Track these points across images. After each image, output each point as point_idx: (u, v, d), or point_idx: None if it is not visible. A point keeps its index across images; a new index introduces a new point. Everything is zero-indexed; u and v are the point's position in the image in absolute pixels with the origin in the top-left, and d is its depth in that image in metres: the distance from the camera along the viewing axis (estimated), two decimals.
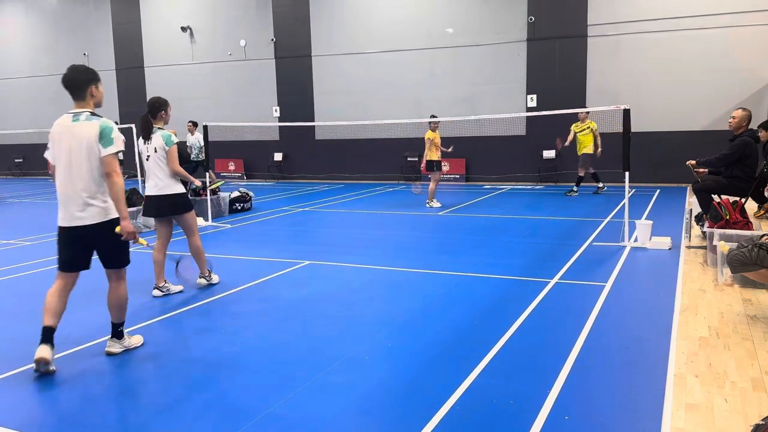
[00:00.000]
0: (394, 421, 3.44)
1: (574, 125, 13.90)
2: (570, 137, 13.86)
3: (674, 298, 5.60)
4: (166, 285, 6.19)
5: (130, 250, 4.59)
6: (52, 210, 14.57)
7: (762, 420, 2.92)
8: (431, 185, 12.52)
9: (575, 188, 13.96)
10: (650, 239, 7.88)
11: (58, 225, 4.34)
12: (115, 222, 4.29)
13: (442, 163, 12.91)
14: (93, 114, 4.29)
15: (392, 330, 4.94)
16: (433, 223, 10.52)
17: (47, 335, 4.21)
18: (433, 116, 12.87)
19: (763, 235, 5.02)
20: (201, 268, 6.45)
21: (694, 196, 8.44)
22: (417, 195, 13.53)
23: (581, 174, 13.83)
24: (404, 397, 3.72)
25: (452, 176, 18.06)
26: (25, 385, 4.04)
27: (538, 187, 16.28)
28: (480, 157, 17.59)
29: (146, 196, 6.20)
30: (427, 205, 12.40)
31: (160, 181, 6.06)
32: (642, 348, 4.40)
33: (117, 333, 4.56)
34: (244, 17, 20.12)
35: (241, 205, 12.26)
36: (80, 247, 4.34)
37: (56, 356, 4.36)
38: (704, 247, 7.55)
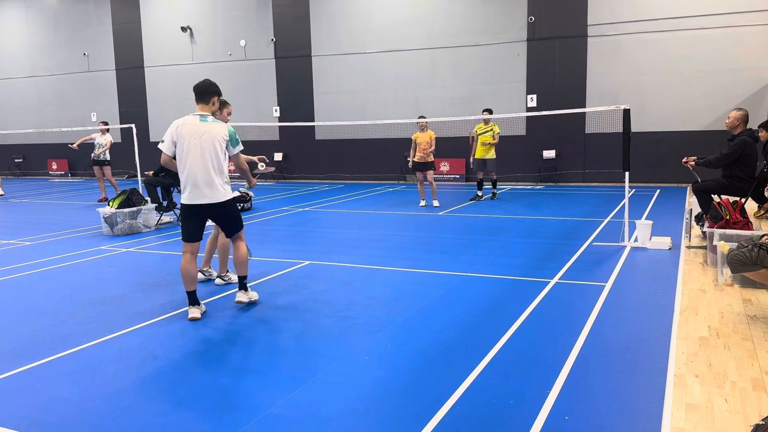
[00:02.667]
0: (394, 421, 3.44)
1: (477, 127, 13.24)
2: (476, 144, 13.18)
3: (674, 298, 5.60)
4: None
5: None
6: (52, 210, 14.43)
7: (762, 420, 2.92)
8: (433, 185, 12.53)
9: (495, 191, 13.45)
10: (650, 239, 7.88)
11: (185, 203, 5.38)
12: (232, 200, 5.52)
13: (424, 164, 12.53)
14: (215, 119, 5.47)
15: (392, 330, 4.95)
16: (433, 223, 10.52)
17: (192, 298, 5.40)
18: (421, 116, 12.80)
19: (763, 235, 5.02)
20: (221, 267, 6.60)
21: (694, 196, 8.44)
22: (418, 196, 13.24)
23: (494, 177, 13.33)
24: (404, 397, 3.72)
25: (452, 176, 18.07)
26: (26, 385, 4.05)
27: (538, 187, 16.28)
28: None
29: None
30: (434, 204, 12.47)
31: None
32: (642, 348, 4.40)
33: (243, 286, 5.70)
34: (244, 17, 20.12)
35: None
36: (200, 220, 5.46)
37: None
38: (704, 247, 7.55)
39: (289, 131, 19.59)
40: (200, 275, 6.55)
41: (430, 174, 12.47)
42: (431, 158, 12.48)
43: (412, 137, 12.57)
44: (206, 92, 5.44)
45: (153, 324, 5.26)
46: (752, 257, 4.77)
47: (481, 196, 13.32)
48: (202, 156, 5.30)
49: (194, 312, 5.36)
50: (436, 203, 12.48)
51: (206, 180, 5.32)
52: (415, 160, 12.48)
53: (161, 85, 21.64)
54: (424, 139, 12.34)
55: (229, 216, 5.59)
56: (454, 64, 17.71)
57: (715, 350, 4.31)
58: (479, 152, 13.09)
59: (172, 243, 9.10)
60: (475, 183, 13.43)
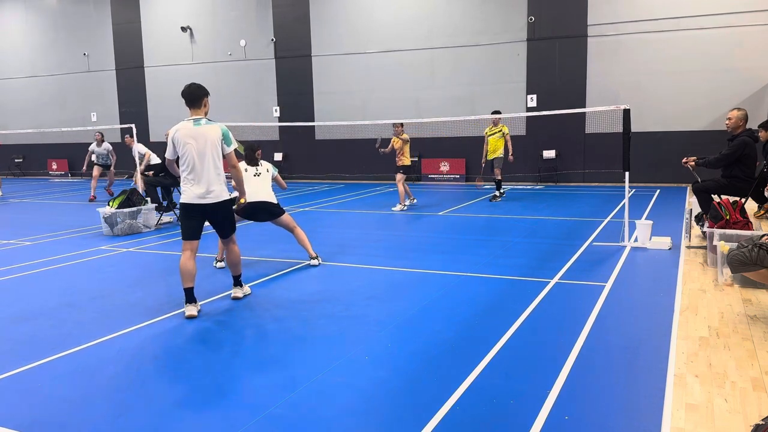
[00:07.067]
0: (394, 421, 3.44)
1: (487, 128, 13.30)
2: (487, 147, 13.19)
3: (674, 298, 5.60)
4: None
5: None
6: (52, 210, 14.39)
7: (762, 420, 2.92)
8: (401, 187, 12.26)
9: (497, 193, 13.30)
10: (650, 239, 7.88)
11: (186, 202, 5.49)
12: (229, 201, 5.65)
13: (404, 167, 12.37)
14: (209, 119, 5.58)
15: (392, 330, 4.94)
16: (433, 223, 10.52)
17: (190, 296, 5.45)
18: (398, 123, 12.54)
19: (763, 235, 5.02)
20: (308, 252, 7.42)
21: (694, 196, 8.44)
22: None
23: (499, 177, 13.18)
24: (404, 397, 3.72)
25: (452, 176, 18.06)
26: (26, 385, 4.04)
27: (538, 187, 16.28)
28: (480, 157, 17.56)
29: (251, 202, 6.94)
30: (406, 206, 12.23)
31: (268, 193, 7.20)
32: (642, 348, 4.40)
33: (238, 282, 5.97)
34: (244, 17, 20.11)
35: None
36: (200, 219, 5.58)
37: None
38: (704, 247, 7.55)
39: (289, 131, 19.59)
40: (221, 264, 7.29)
41: (397, 177, 12.24)
42: (400, 162, 12.19)
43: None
44: (195, 97, 5.57)
45: (153, 324, 5.26)
46: (752, 257, 4.77)
47: (503, 194, 13.25)
48: (199, 158, 5.44)
49: (191, 309, 5.41)
50: (394, 207, 12.18)
51: (203, 181, 5.47)
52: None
53: (161, 85, 21.63)
54: (396, 144, 12.30)
55: (224, 217, 5.70)
56: (454, 64, 17.71)
57: (715, 350, 4.31)
58: (489, 153, 13.09)
59: (172, 243, 9.09)
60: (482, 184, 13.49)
